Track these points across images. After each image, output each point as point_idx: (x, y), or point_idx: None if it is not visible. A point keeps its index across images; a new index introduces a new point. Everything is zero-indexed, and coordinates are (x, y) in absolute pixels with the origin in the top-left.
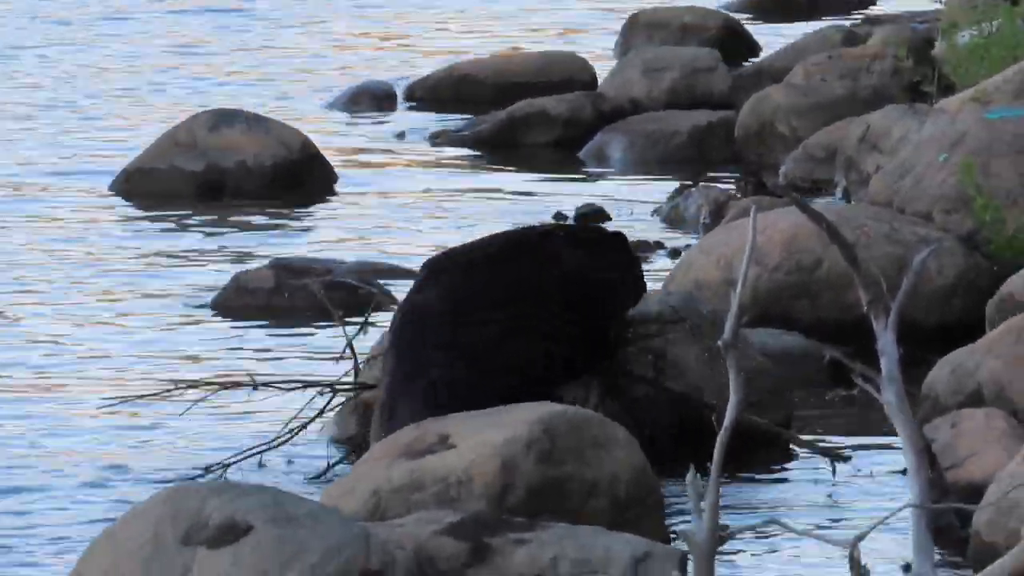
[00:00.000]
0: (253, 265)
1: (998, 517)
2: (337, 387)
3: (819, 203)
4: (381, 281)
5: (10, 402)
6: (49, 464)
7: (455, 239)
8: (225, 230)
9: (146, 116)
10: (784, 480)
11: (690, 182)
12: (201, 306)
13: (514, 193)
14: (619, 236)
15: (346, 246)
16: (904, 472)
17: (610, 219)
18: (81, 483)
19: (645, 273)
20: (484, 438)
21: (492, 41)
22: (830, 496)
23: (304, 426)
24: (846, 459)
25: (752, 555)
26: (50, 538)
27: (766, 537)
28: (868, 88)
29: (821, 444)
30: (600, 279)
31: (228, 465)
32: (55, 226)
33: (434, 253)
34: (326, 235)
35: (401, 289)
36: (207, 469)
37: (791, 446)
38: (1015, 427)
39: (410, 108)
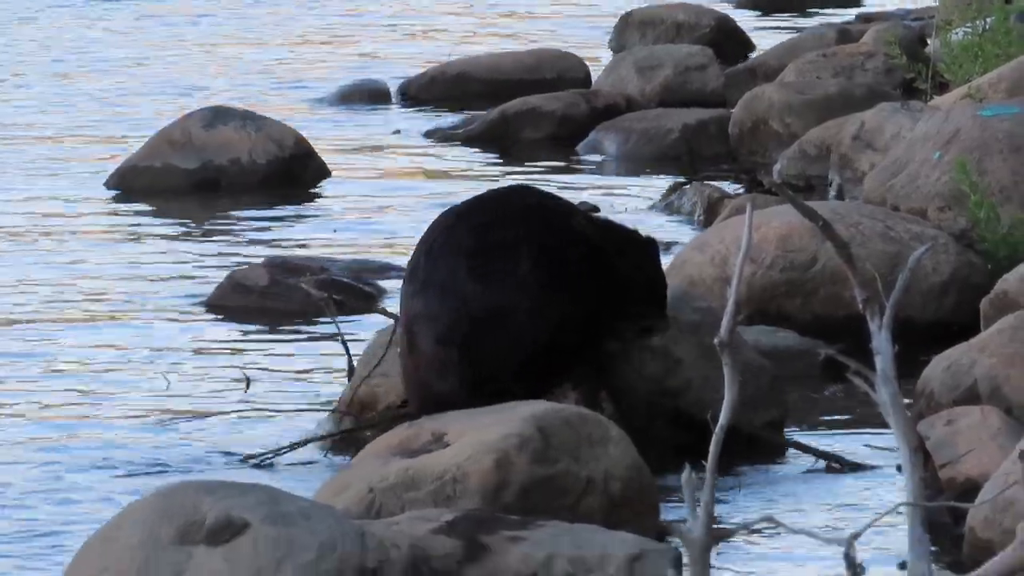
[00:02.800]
0: (247, 263)
1: (993, 515)
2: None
3: (813, 201)
4: (376, 279)
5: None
6: (44, 464)
7: None
8: (220, 228)
9: (141, 113)
10: (779, 477)
11: (684, 179)
12: (195, 304)
13: None
14: (651, 241)
15: (340, 244)
16: (899, 470)
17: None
18: (76, 482)
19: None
20: (479, 436)
21: (487, 39)
22: (825, 494)
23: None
24: (853, 467)
25: (747, 553)
26: (44, 533)
27: (761, 535)
28: (862, 86)
29: (827, 450)
30: (623, 276)
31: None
32: (48, 224)
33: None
34: (321, 233)
35: (396, 287)
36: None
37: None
38: (1010, 424)
39: (404, 106)
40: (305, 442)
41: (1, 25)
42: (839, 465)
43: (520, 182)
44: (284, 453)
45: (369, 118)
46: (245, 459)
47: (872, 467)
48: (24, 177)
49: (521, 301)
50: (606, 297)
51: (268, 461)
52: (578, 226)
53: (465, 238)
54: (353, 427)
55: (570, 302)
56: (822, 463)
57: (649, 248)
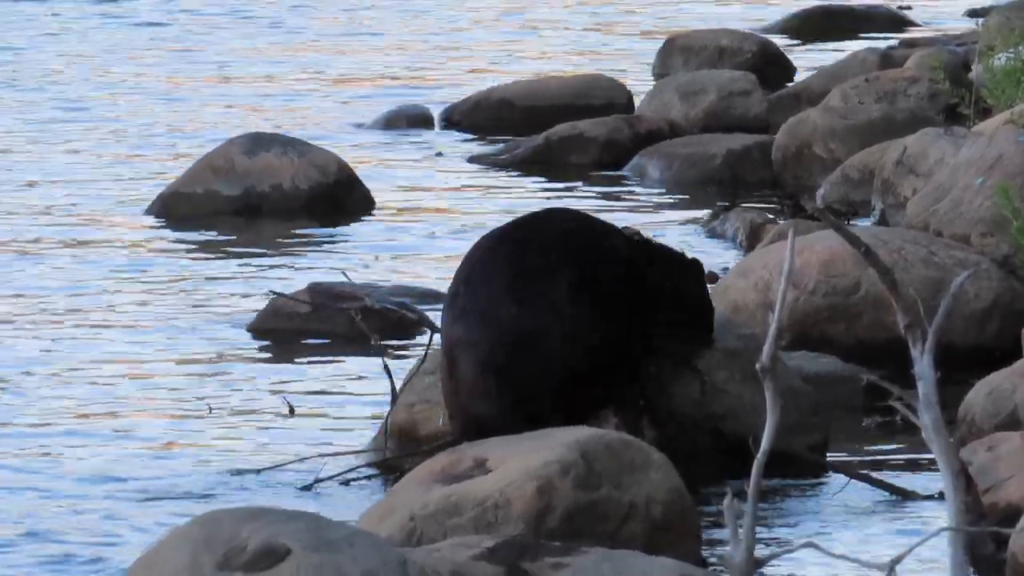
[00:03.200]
0: (290, 289)
1: None
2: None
3: (857, 226)
4: (419, 305)
5: (43, 423)
6: (86, 491)
7: None
8: (262, 254)
9: (181, 139)
10: (821, 503)
11: (727, 204)
12: (237, 329)
13: None
14: (695, 263)
15: (383, 270)
16: (941, 495)
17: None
18: (116, 510)
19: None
20: (521, 462)
21: (530, 64)
22: (867, 519)
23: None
24: (911, 496)
25: None
26: (88, 560)
27: (803, 560)
28: (905, 111)
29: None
30: (665, 297)
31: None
32: (91, 251)
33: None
34: (363, 259)
35: (439, 312)
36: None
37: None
38: None
39: (447, 131)
40: (346, 471)
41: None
42: (890, 493)
43: (561, 206)
44: (324, 479)
45: (412, 143)
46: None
47: (914, 493)
48: (66, 197)
49: (556, 325)
50: (645, 319)
51: (310, 486)
52: (617, 248)
53: (503, 263)
54: (395, 456)
55: (606, 325)
56: (862, 487)
57: (692, 269)
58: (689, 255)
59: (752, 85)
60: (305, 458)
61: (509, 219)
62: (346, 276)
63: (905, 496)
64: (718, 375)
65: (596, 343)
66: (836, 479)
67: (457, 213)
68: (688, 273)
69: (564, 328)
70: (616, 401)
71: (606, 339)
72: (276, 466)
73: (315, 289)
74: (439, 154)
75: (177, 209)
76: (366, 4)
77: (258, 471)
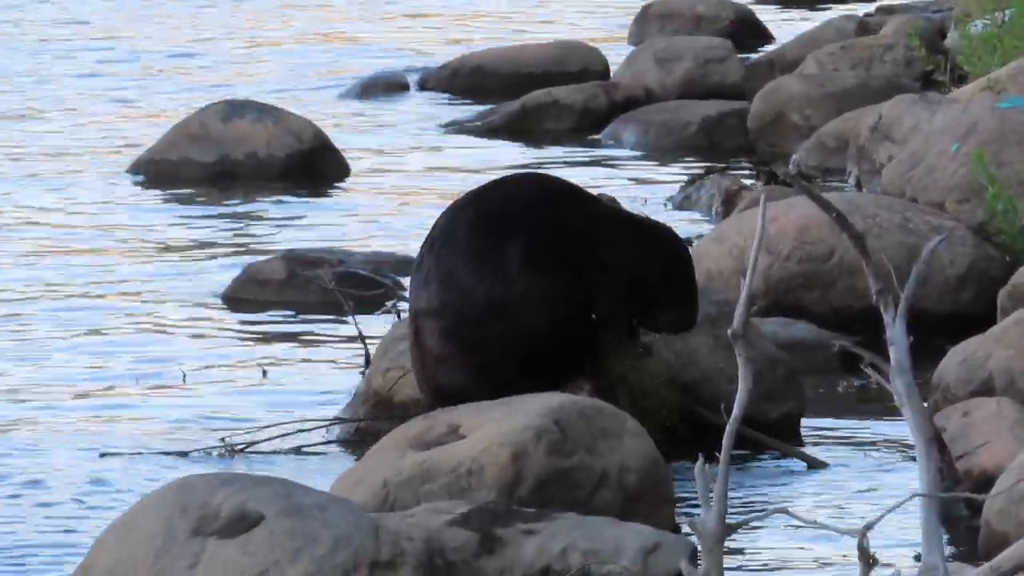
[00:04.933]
0: (264, 256)
1: (1009, 506)
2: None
3: (830, 192)
4: (393, 273)
5: (16, 388)
6: (53, 455)
7: None
8: (237, 221)
9: (158, 106)
10: (793, 470)
11: (702, 171)
12: (212, 297)
13: None
14: (669, 234)
15: (358, 237)
16: (914, 461)
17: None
18: (92, 471)
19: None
20: (494, 428)
21: (504, 31)
22: (839, 486)
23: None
24: (824, 465)
25: (761, 545)
26: (61, 527)
27: (775, 527)
28: (881, 78)
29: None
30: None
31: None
32: (67, 216)
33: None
34: (338, 226)
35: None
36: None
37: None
38: None
39: (423, 98)
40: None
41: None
42: (821, 468)
43: (531, 171)
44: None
45: (388, 110)
46: (233, 449)
47: (887, 459)
48: (42, 166)
49: (518, 292)
50: (610, 289)
51: (284, 452)
52: (577, 216)
53: (466, 230)
54: (369, 422)
55: (570, 293)
56: (838, 454)
57: (669, 241)
58: (664, 223)
59: (728, 52)
60: (278, 424)
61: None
62: (323, 279)
63: (814, 466)
64: (691, 341)
65: (560, 310)
66: (808, 446)
67: (432, 180)
68: (664, 243)
69: (527, 296)
70: (589, 369)
71: (570, 306)
72: (250, 432)
73: (289, 256)
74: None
75: (152, 175)
76: None
77: (222, 443)
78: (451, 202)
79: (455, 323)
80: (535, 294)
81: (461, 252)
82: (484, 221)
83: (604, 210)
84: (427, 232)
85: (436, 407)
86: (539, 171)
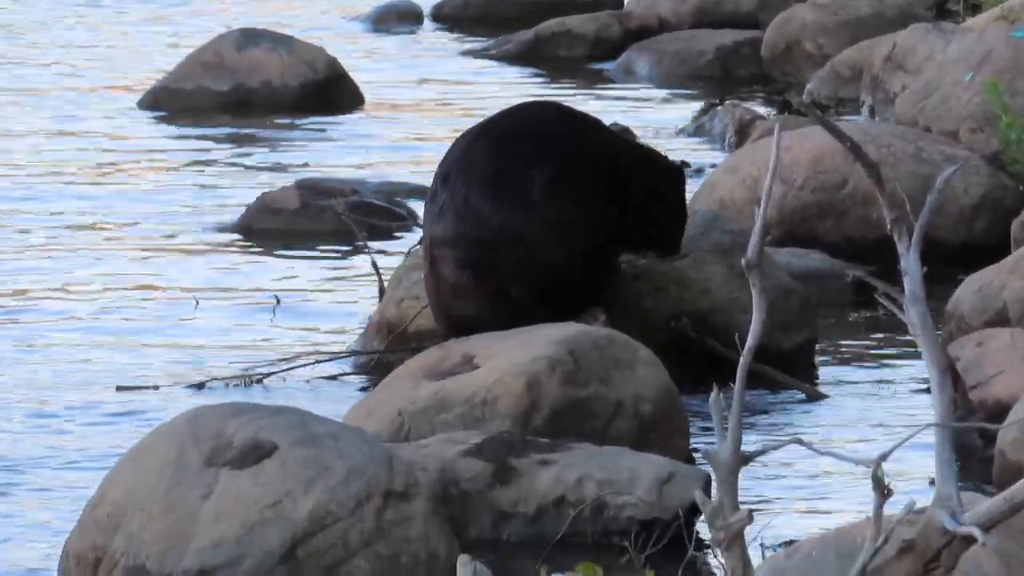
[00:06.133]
0: (279, 185)
1: (1023, 436)
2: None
3: (844, 121)
4: (407, 202)
5: (30, 320)
6: (67, 389)
7: None
8: (251, 150)
9: (173, 34)
10: (808, 400)
11: (716, 101)
12: (226, 227)
13: None
14: (679, 170)
15: (373, 166)
16: (928, 391)
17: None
18: (104, 401)
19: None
20: (508, 358)
21: None
22: (854, 416)
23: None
24: (823, 397)
25: (776, 475)
26: (74, 460)
27: (790, 457)
28: (895, 7)
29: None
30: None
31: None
32: (81, 143)
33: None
34: (353, 155)
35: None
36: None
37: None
38: None
39: (437, 28)
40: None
41: None
42: (820, 400)
43: (547, 101)
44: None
45: (402, 40)
46: (249, 379)
47: (901, 388)
48: (55, 99)
49: (533, 221)
50: (624, 221)
51: (298, 382)
52: (597, 143)
53: (481, 159)
54: (383, 352)
55: (584, 222)
56: (849, 384)
57: (675, 175)
58: (674, 157)
59: None
60: (293, 357)
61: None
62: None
63: (814, 397)
64: (705, 271)
65: (575, 239)
66: (823, 378)
67: (446, 109)
68: (670, 179)
69: (544, 226)
70: (603, 299)
71: (585, 235)
72: (263, 365)
73: (303, 185)
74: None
75: (167, 104)
76: None
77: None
78: (464, 131)
79: (470, 251)
80: (553, 224)
81: (478, 180)
82: (502, 149)
83: (621, 142)
84: (439, 161)
85: (451, 336)
86: (554, 101)
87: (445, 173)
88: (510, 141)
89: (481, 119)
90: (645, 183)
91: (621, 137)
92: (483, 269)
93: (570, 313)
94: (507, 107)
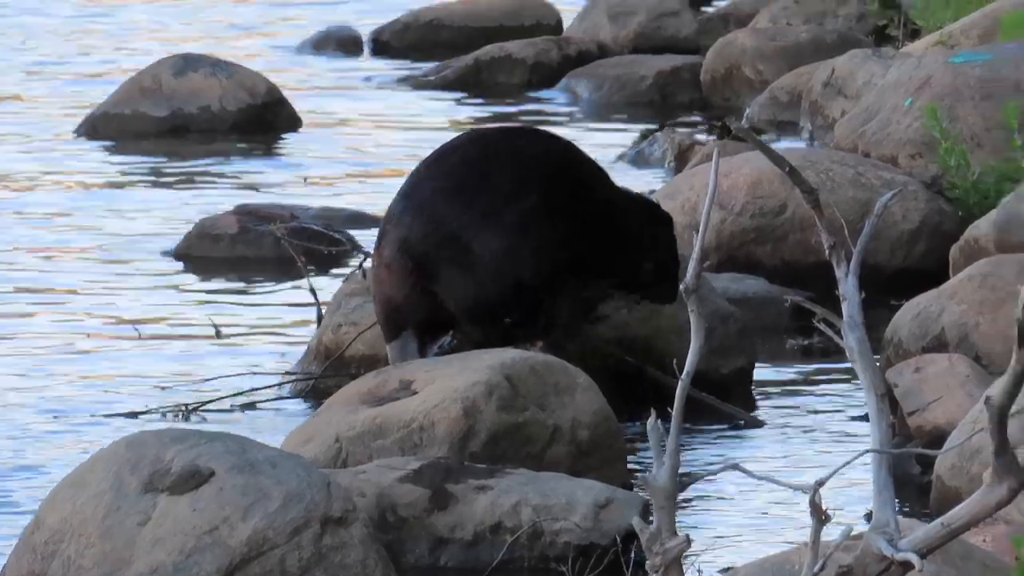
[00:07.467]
0: (217, 211)
1: (960, 462)
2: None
3: (782, 146)
4: (346, 228)
5: None
6: (14, 410)
7: None
8: (189, 175)
9: (110, 59)
10: (746, 428)
11: (655, 126)
12: (164, 252)
13: None
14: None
15: (312, 192)
16: (866, 418)
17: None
18: (45, 429)
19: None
20: (446, 384)
21: None
22: (792, 442)
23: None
24: (761, 424)
25: (713, 501)
26: (9, 488)
27: (727, 482)
28: (834, 32)
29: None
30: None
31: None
32: (16, 172)
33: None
34: (292, 180)
35: (367, 236)
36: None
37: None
38: (978, 372)
39: (376, 53)
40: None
41: None
42: (758, 427)
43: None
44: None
45: (341, 65)
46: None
47: (838, 415)
48: None
49: (488, 231)
50: (599, 261)
51: (236, 409)
52: (587, 180)
53: (464, 166)
54: (321, 378)
55: (537, 251)
56: (787, 410)
57: (667, 223)
58: (636, 190)
59: (682, 6)
60: (229, 375)
61: (438, 141)
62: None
63: (751, 425)
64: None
65: (520, 264)
66: (761, 404)
67: (385, 134)
68: (663, 227)
69: (495, 236)
70: (542, 325)
71: (533, 262)
72: (202, 393)
73: (242, 211)
74: (368, 79)
75: (105, 130)
76: None
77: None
78: (448, 140)
79: (416, 239)
80: (506, 244)
81: (443, 187)
82: (486, 163)
83: (616, 189)
84: (387, 186)
85: (382, 317)
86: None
87: (419, 171)
88: (499, 156)
89: (423, 145)
90: (637, 228)
91: (615, 184)
92: (418, 259)
93: (492, 331)
94: (486, 128)
